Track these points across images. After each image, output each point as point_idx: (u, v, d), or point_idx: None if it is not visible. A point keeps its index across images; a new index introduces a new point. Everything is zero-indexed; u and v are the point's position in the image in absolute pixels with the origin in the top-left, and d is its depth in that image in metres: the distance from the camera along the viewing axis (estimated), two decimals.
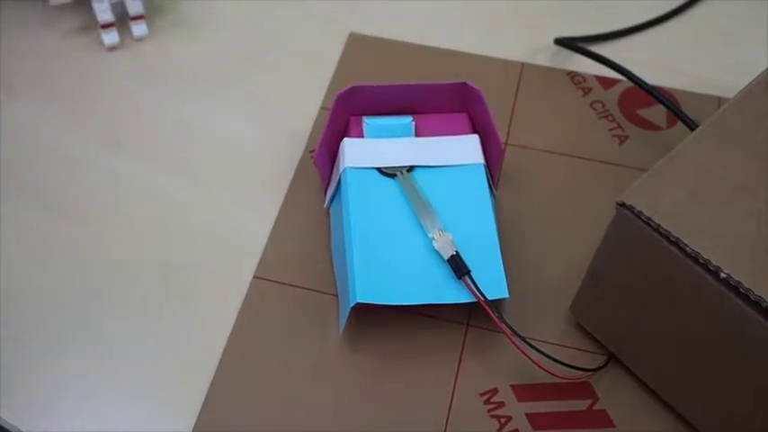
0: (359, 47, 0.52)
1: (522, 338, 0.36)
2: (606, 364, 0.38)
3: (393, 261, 0.38)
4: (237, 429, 0.37)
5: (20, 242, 0.43)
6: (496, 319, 0.36)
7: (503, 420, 0.37)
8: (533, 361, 0.36)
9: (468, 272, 0.37)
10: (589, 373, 0.38)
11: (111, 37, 0.51)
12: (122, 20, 0.52)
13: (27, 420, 0.37)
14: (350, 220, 0.39)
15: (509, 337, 0.36)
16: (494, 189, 0.42)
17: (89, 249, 0.43)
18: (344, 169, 0.40)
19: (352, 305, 0.37)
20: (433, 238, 0.38)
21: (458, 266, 0.37)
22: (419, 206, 0.39)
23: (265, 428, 0.37)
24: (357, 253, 0.38)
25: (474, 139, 0.42)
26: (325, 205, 0.43)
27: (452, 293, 0.37)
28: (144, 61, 0.51)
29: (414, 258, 0.38)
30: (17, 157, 0.46)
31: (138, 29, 0.51)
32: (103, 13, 0.50)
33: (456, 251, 0.37)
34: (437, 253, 0.38)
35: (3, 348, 0.39)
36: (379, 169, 0.41)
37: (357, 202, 0.39)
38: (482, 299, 0.36)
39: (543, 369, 0.37)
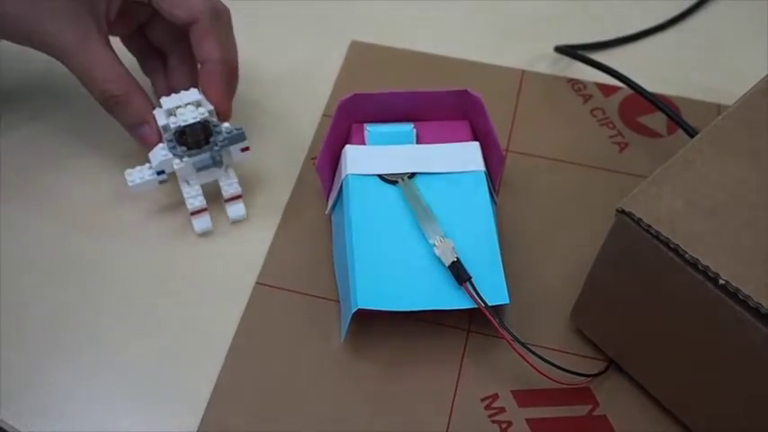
0: (360, 54, 0.53)
1: (523, 344, 0.36)
2: (606, 369, 0.39)
3: (394, 267, 0.38)
4: None
5: (22, 246, 0.43)
6: (497, 325, 0.36)
7: (503, 426, 0.37)
8: (534, 367, 0.36)
9: (469, 278, 0.37)
10: (589, 379, 0.38)
11: (202, 222, 0.43)
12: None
13: (28, 421, 0.38)
14: (351, 227, 0.39)
15: (510, 343, 0.36)
16: (495, 196, 0.42)
17: (91, 253, 0.43)
18: (346, 176, 0.41)
19: (353, 311, 0.37)
20: (434, 245, 0.38)
21: (459, 273, 0.37)
22: (420, 213, 0.39)
23: (267, 431, 0.37)
24: (358, 259, 0.38)
25: (475, 146, 0.42)
26: (326, 212, 0.43)
27: (453, 299, 0.37)
28: None
29: (415, 264, 0.38)
30: (24, 165, 0.47)
31: (235, 210, 0.44)
32: (194, 199, 0.42)
33: (457, 257, 0.37)
34: (438, 259, 0.38)
35: (4, 350, 0.40)
36: (380, 176, 0.41)
37: (359, 208, 0.40)
38: (483, 305, 0.37)
39: (544, 375, 0.37)
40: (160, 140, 0.41)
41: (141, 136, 0.42)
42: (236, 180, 0.43)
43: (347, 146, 0.42)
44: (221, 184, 0.43)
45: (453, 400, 0.38)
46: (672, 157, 0.33)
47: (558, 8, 0.56)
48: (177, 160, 0.41)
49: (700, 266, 0.30)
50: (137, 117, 0.41)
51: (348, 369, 0.39)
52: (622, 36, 0.54)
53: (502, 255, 0.39)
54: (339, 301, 0.41)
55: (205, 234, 0.43)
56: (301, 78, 0.51)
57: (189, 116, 0.40)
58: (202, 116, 0.41)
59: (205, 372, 0.39)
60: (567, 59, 0.52)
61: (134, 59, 0.47)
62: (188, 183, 0.42)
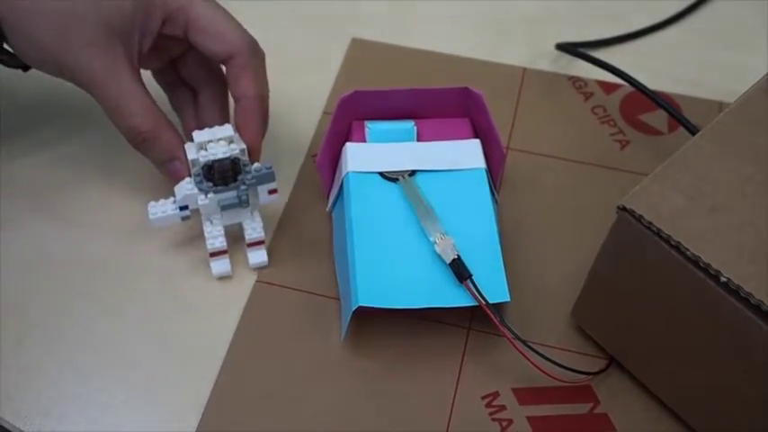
0: (361, 52, 0.53)
1: (524, 342, 0.36)
2: (607, 367, 0.39)
3: (395, 265, 0.38)
4: (240, 431, 0.37)
5: (22, 244, 0.43)
6: (498, 323, 0.36)
7: (504, 423, 0.37)
8: (535, 364, 0.36)
9: (470, 276, 0.37)
10: (590, 377, 0.38)
11: (220, 265, 0.42)
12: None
13: (28, 421, 0.37)
14: (352, 224, 0.39)
15: (510, 341, 0.36)
16: (496, 193, 0.42)
17: (92, 252, 0.43)
18: (347, 173, 0.41)
19: (353, 308, 0.37)
20: (435, 242, 0.38)
21: (459, 270, 0.37)
22: (421, 210, 0.39)
23: (267, 431, 0.37)
24: (359, 257, 0.38)
25: (476, 144, 0.42)
26: (327, 209, 0.43)
27: (454, 297, 0.37)
28: None
29: (415, 262, 0.38)
30: (28, 166, 0.47)
31: (257, 256, 0.42)
32: (214, 239, 0.41)
33: (457, 255, 0.37)
34: (439, 257, 0.38)
35: (5, 349, 0.40)
36: (381, 173, 0.41)
37: (359, 206, 0.40)
38: (483, 302, 0.37)
39: (544, 372, 0.37)
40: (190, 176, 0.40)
41: (171, 171, 0.40)
42: (261, 224, 0.41)
43: (348, 143, 0.42)
44: (245, 226, 0.41)
45: (454, 398, 0.38)
46: (673, 155, 0.33)
47: (559, 6, 0.56)
48: (202, 196, 0.39)
49: (701, 264, 0.30)
50: (166, 153, 0.40)
51: (348, 367, 0.39)
52: (624, 34, 0.54)
53: (503, 252, 0.39)
54: (339, 299, 0.41)
55: (222, 278, 0.42)
56: (302, 76, 0.51)
57: (219, 151, 0.39)
58: (233, 153, 0.39)
59: (205, 370, 0.39)
60: (568, 57, 0.52)
61: (160, 90, 0.45)
62: (211, 222, 0.41)
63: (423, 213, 0.39)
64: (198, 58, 0.42)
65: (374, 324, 0.40)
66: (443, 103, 0.43)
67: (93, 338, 0.40)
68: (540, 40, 0.53)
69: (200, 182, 0.39)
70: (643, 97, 0.47)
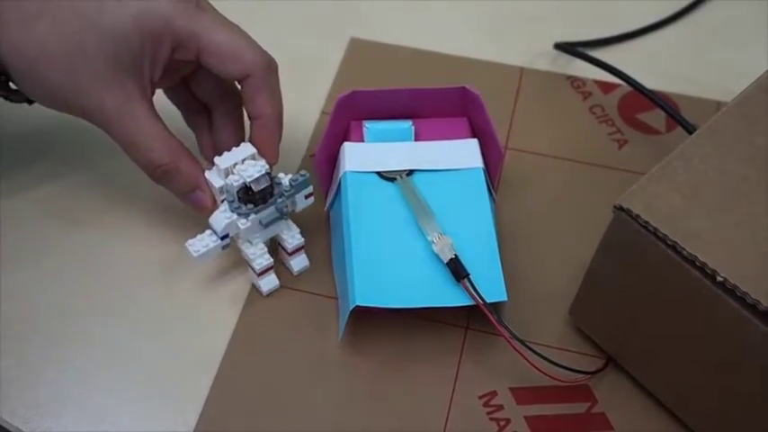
0: (359, 52, 0.53)
1: (521, 341, 0.36)
2: (605, 367, 0.39)
3: (392, 264, 0.38)
4: (237, 431, 0.37)
5: (25, 247, 0.43)
6: (495, 323, 0.36)
7: (501, 423, 0.37)
8: (532, 364, 0.36)
9: (467, 275, 0.37)
10: (588, 377, 0.38)
11: (270, 281, 0.41)
12: None
13: (28, 421, 0.38)
14: (349, 224, 0.39)
15: (508, 340, 0.36)
16: (493, 193, 0.42)
17: (91, 251, 0.43)
18: (344, 173, 0.41)
19: (351, 308, 0.37)
20: (433, 242, 0.38)
21: (457, 270, 0.37)
22: (419, 210, 0.39)
23: (265, 429, 0.37)
24: (356, 256, 0.38)
25: (473, 144, 0.42)
26: (325, 209, 0.43)
27: (451, 296, 0.37)
28: None
29: (413, 261, 0.38)
30: (25, 164, 0.47)
31: (299, 262, 0.42)
32: (261, 258, 0.40)
33: (455, 254, 0.37)
34: (436, 256, 0.38)
35: (5, 349, 0.40)
36: (378, 173, 0.41)
37: (357, 205, 0.40)
38: (481, 302, 0.37)
39: (542, 372, 0.37)
40: (215, 203, 0.39)
41: (195, 201, 0.39)
42: (297, 230, 0.41)
43: (345, 143, 0.42)
44: (284, 236, 0.40)
45: (451, 397, 0.38)
46: (670, 154, 0.33)
47: (557, 5, 0.56)
48: (243, 220, 0.38)
49: (697, 263, 0.30)
50: (187, 185, 0.39)
51: (346, 366, 0.39)
52: (622, 33, 0.54)
53: (500, 252, 0.39)
54: (337, 299, 0.41)
55: (270, 290, 0.41)
56: (300, 75, 0.51)
57: (253, 171, 0.38)
58: (266, 169, 0.38)
59: (203, 370, 0.39)
60: (566, 57, 0.52)
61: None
62: (250, 242, 0.40)
63: (420, 213, 0.39)
64: (211, 78, 0.41)
65: (372, 323, 0.40)
66: (441, 102, 0.43)
67: (92, 338, 0.40)
68: (539, 39, 0.53)
69: (238, 207, 0.38)
70: (641, 97, 0.47)
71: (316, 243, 0.43)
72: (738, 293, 0.29)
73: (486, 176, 0.41)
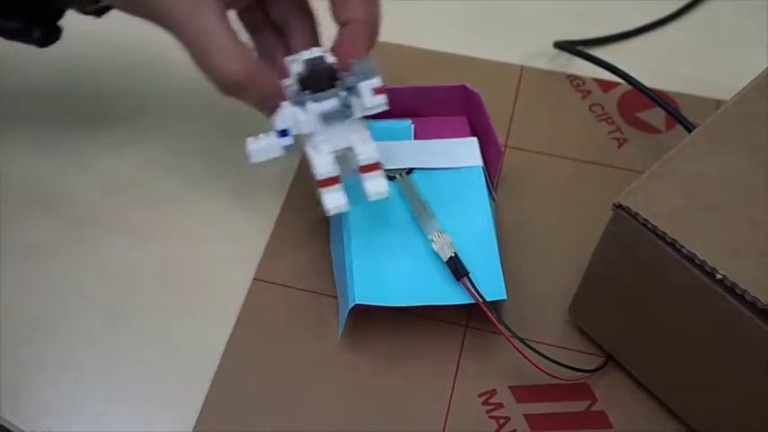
0: None
1: (521, 340, 0.36)
2: (604, 365, 0.39)
3: (392, 263, 0.38)
4: (237, 430, 0.37)
5: (24, 245, 0.43)
6: (495, 321, 0.36)
7: (501, 421, 0.37)
8: (532, 362, 0.36)
9: (467, 273, 0.37)
10: (587, 375, 0.38)
11: (334, 197, 0.35)
12: None
13: (28, 421, 0.38)
14: (349, 222, 0.39)
15: (508, 339, 0.36)
16: (493, 191, 0.42)
17: (91, 251, 0.43)
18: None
19: (350, 306, 0.37)
20: (432, 240, 0.38)
21: (456, 268, 0.37)
22: (418, 208, 0.39)
23: (264, 429, 0.37)
24: (356, 255, 0.38)
25: (473, 142, 0.42)
26: None
27: (451, 295, 0.37)
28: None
29: (412, 260, 0.38)
30: (25, 164, 0.47)
31: (375, 185, 0.35)
32: (323, 166, 0.35)
33: (455, 253, 0.37)
34: (436, 254, 0.38)
35: (5, 349, 0.40)
36: None
37: (356, 204, 0.40)
38: (480, 300, 0.37)
39: (542, 370, 0.37)
40: None
41: (272, 110, 0.35)
42: (374, 147, 0.35)
43: None
44: (356, 151, 0.35)
45: (451, 395, 0.38)
46: (669, 153, 0.33)
47: (556, 4, 0.56)
48: (301, 111, 0.34)
49: (697, 261, 0.30)
50: (263, 94, 0.35)
51: (346, 365, 0.39)
52: (622, 32, 0.54)
53: (500, 250, 0.39)
54: (337, 297, 0.41)
55: (335, 209, 0.35)
56: None
57: (314, 52, 0.35)
58: (328, 54, 0.35)
59: (202, 369, 0.39)
60: (566, 55, 0.52)
61: None
62: (316, 149, 0.35)
63: (420, 211, 0.39)
64: None
65: (371, 322, 0.40)
66: (441, 101, 0.43)
67: (91, 338, 0.40)
68: (538, 38, 0.53)
69: (296, 93, 0.35)
70: (641, 95, 0.47)
71: (315, 242, 0.43)
72: (737, 291, 0.29)
73: (485, 175, 0.41)
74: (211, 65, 0.34)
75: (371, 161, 0.35)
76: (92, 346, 0.40)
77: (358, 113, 0.35)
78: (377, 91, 0.34)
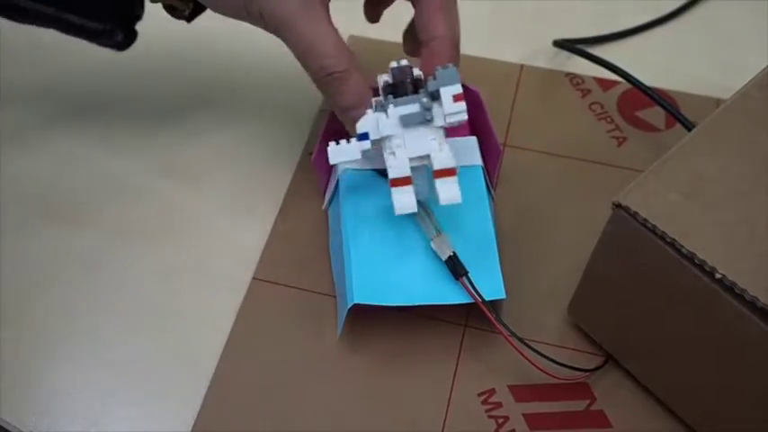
0: (358, 49, 0.52)
1: (520, 339, 0.36)
2: (603, 364, 0.39)
3: (390, 262, 0.38)
4: (236, 430, 0.37)
5: (26, 250, 0.43)
6: (494, 321, 0.36)
7: (500, 421, 0.37)
8: (531, 362, 0.36)
9: (466, 273, 0.37)
10: (587, 374, 0.38)
11: (403, 198, 0.35)
12: None
13: (26, 420, 0.37)
14: (347, 222, 0.39)
15: (506, 338, 0.36)
16: (492, 190, 0.42)
17: (89, 251, 0.43)
18: (341, 171, 0.40)
19: (349, 306, 0.37)
20: (431, 239, 0.38)
21: (455, 267, 0.37)
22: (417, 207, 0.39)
23: (263, 429, 0.37)
24: (354, 254, 0.38)
25: (472, 141, 0.42)
26: (323, 207, 0.43)
27: (450, 294, 0.37)
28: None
29: (411, 259, 0.38)
30: (21, 163, 0.47)
31: (446, 189, 0.35)
32: (397, 167, 0.35)
33: (453, 252, 0.37)
34: (435, 254, 0.38)
35: (3, 349, 0.40)
36: (376, 170, 0.41)
37: (354, 203, 0.40)
38: (479, 300, 0.37)
39: (541, 370, 0.37)
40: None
41: (355, 118, 0.36)
42: (449, 152, 0.35)
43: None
44: (432, 157, 0.35)
45: (450, 395, 0.38)
46: (668, 152, 0.33)
47: (556, 2, 0.56)
48: (383, 115, 0.35)
49: (696, 261, 0.30)
50: (355, 96, 0.37)
51: (344, 364, 0.39)
52: (621, 30, 0.54)
53: (499, 249, 0.39)
54: (335, 297, 0.41)
55: (403, 209, 0.35)
56: (299, 72, 0.51)
57: (402, 62, 0.36)
58: (412, 66, 0.36)
59: (201, 368, 0.39)
60: (565, 54, 0.52)
61: None
62: (394, 154, 0.35)
63: (418, 210, 0.39)
64: None
65: (370, 321, 0.40)
66: None
67: (90, 338, 0.40)
68: (538, 36, 0.53)
69: (381, 102, 0.36)
70: (640, 94, 0.47)
71: (314, 241, 0.43)
72: (737, 290, 0.29)
73: (484, 174, 0.41)
74: (315, 60, 0.36)
75: (446, 166, 0.35)
76: (91, 346, 0.40)
77: (438, 121, 0.35)
78: (456, 98, 0.35)
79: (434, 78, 0.35)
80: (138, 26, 0.42)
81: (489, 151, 0.42)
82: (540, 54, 0.52)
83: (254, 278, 0.42)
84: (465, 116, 0.35)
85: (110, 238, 0.43)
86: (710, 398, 0.34)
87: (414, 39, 0.40)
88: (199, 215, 0.44)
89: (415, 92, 0.36)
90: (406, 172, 0.35)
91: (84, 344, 0.40)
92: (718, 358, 0.32)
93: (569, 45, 0.51)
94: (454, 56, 0.37)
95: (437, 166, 0.35)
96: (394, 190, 0.35)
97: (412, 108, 0.35)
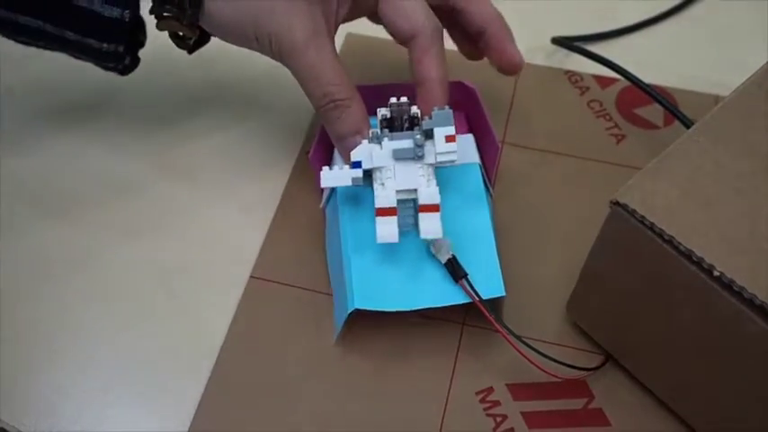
0: (356, 47, 0.53)
1: (519, 338, 0.36)
2: (604, 363, 0.38)
3: (389, 267, 0.38)
4: (233, 429, 0.37)
5: (24, 248, 0.43)
6: (494, 322, 0.36)
7: (498, 419, 0.37)
8: (531, 361, 0.36)
9: (465, 275, 0.37)
10: (586, 373, 0.38)
11: (387, 228, 0.36)
12: None
13: (25, 420, 0.37)
14: (345, 227, 0.39)
15: (505, 337, 0.36)
16: (490, 188, 0.42)
17: (88, 250, 0.43)
18: None
19: (348, 312, 0.37)
20: (431, 244, 0.38)
21: (455, 270, 0.37)
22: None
23: (261, 427, 0.37)
24: (354, 260, 0.38)
25: (469, 139, 0.42)
26: (321, 206, 0.43)
27: (449, 296, 0.37)
28: None
29: (410, 262, 0.38)
30: (25, 167, 0.47)
31: (427, 225, 0.36)
32: (384, 198, 0.36)
33: (453, 255, 0.37)
34: (433, 256, 0.38)
35: (4, 349, 0.40)
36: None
37: (352, 207, 0.39)
38: (479, 301, 0.36)
39: (540, 368, 0.36)
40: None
41: (351, 146, 0.38)
42: (437, 191, 0.37)
43: None
44: (419, 192, 0.37)
45: (448, 393, 0.38)
46: (667, 149, 0.33)
47: (554, 0, 0.56)
48: (377, 146, 0.37)
49: (695, 258, 0.30)
50: (353, 126, 0.38)
51: (342, 363, 0.39)
52: (620, 28, 0.53)
53: (497, 247, 0.38)
54: (333, 294, 0.41)
55: (385, 238, 0.36)
56: None
57: (402, 100, 0.38)
58: (412, 105, 0.38)
59: (199, 368, 0.39)
60: (563, 51, 0.52)
61: None
62: (383, 185, 0.37)
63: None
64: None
65: (368, 320, 0.40)
66: None
67: (89, 337, 0.40)
68: (536, 34, 0.53)
69: (377, 134, 0.38)
70: (639, 91, 0.46)
71: (311, 240, 0.43)
72: (735, 287, 0.29)
73: (482, 172, 0.41)
74: (318, 88, 0.38)
75: (431, 202, 0.36)
76: (90, 345, 0.40)
77: (429, 158, 0.37)
78: (448, 138, 0.37)
79: (430, 118, 0.37)
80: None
81: (487, 149, 0.42)
82: (539, 51, 0.52)
83: (251, 276, 0.42)
84: (455, 157, 0.37)
85: (108, 237, 0.43)
86: (709, 395, 0.34)
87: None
88: (196, 213, 0.44)
89: (411, 128, 0.38)
90: (392, 203, 0.36)
91: (82, 343, 0.40)
92: (717, 356, 0.32)
93: (568, 42, 0.51)
94: (444, 96, 0.40)
95: (422, 201, 0.36)
96: (378, 219, 0.36)
97: (405, 143, 0.37)
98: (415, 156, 0.37)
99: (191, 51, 0.42)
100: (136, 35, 0.41)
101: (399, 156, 0.37)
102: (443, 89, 0.40)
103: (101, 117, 0.49)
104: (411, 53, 0.40)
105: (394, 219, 0.36)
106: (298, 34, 0.37)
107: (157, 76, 0.51)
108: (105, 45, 0.40)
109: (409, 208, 0.38)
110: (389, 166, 0.37)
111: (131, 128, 0.48)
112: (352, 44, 0.52)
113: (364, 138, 0.38)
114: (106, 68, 0.42)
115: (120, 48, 0.40)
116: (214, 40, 0.42)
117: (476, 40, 0.43)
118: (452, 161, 0.37)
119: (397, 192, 0.37)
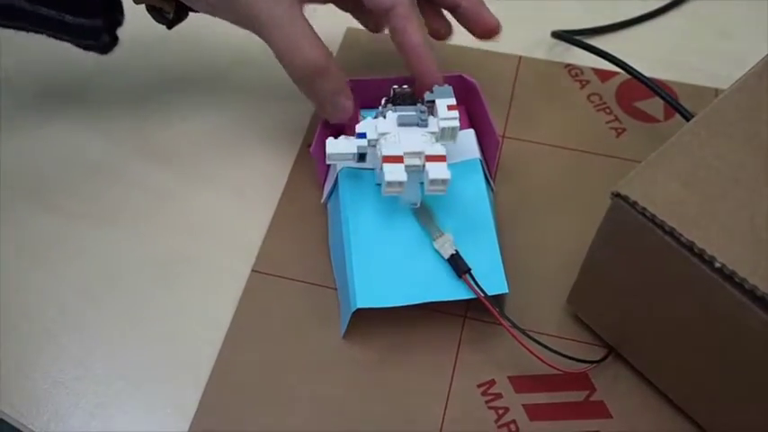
0: (356, 41, 0.53)
1: (522, 331, 0.36)
2: (607, 356, 0.38)
3: (392, 261, 0.38)
4: (235, 424, 0.37)
5: (19, 239, 0.43)
6: (498, 316, 0.36)
7: (500, 411, 0.37)
8: (533, 353, 0.36)
9: (468, 270, 0.37)
10: (588, 365, 0.38)
11: (393, 173, 0.37)
12: None
13: (26, 415, 0.37)
14: (348, 223, 0.39)
15: (508, 330, 0.36)
16: (491, 182, 0.42)
17: (88, 245, 0.43)
18: (340, 168, 0.40)
19: (352, 310, 0.37)
20: (434, 240, 0.38)
21: (458, 265, 0.37)
22: (419, 208, 0.39)
23: (264, 423, 0.37)
24: (356, 256, 0.38)
25: (470, 134, 0.42)
26: (322, 200, 0.43)
27: (453, 290, 0.37)
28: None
29: (413, 258, 0.38)
30: (18, 157, 0.47)
31: (436, 171, 0.37)
32: (388, 147, 0.38)
33: (455, 250, 0.37)
34: (435, 252, 0.38)
35: (5, 346, 0.40)
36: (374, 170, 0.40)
37: (354, 203, 0.39)
38: (483, 296, 0.36)
39: (543, 361, 0.36)
40: (357, 113, 0.41)
41: (340, 104, 0.40)
42: (443, 149, 0.38)
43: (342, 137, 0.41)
44: (425, 149, 0.38)
45: (450, 386, 0.38)
46: (667, 141, 0.33)
47: None
48: (381, 119, 0.39)
49: (696, 249, 0.30)
50: (338, 86, 0.40)
51: (344, 356, 0.39)
52: (619, 21, 0.53)
53: (499, 241, 0.39)
54: (336, 289, 0.41)
55: (393, 178, 0.37)
56: None
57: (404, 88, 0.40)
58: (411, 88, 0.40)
59: (200, 363, 0.39)
60: (563, 45, 0.52)
61: None
62: (388, 147, 0.38)
63: (421, 213, 0.39)
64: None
65: (370, 314, 0.40)
66: None
67: (90, 333, 0.40)
68: (536, 28, 0.53)
69: (381, 112, 0.39)
70: (639, 85, 0.46)
71: (313, 234, 0.43)
72: (736, 279, 0.29)
73: (483, 166, 0.41)
74: (299, 57, 0.39)
75: (438, 153, 0.38)
76: (90, 341, 0.40)
77: (432, 126, 0.39)
78: (450, 107, 0.38)
79: (432, 92, 0.39)
80: (133, 11, 0.42)
81: (488, 143, 0.42)
82: (539, 45, 0.52)
83: (253, 270, 0.42)
84: (457, 123, 0.38)
85: (106, 230, 0.43)
86: (710, 387, 0.34)
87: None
88: (198, 207, 0.44)
89: (413, 104, 0.39)
90: (399, 152, 0.37)
91: (82, 339, 0.40)
92: (718, 348, 0.32)
93: (568, 36, 0.51)
94: (434, 59, 0.41)
95: (429, 152, 0.37)
96: (386, 165, 0.37)
97: (408, 112, 0.39)
98: (419, 121, 0.38)
99: (170, 26, 0.42)
100: (112, 12, 0.42)
101: (404, 121, 0.38)
102: (431, 53, 0.41)
103: (97, 106, 0.49)
104: (392, 23, 0.41)
105: (401, 165, 0.37)
106: (277, 11, 0.38)
107: (157, 66, 0.51)
108: (81, 20, 0.40)
109: (414, 182, 0.38)
110: (394, 132, 0.38)
111: (130, 118, 0.48)
112: (352, 38, 0.52)
113: (348, 99, 0.40)
114: (86, 48, 0.42)
115: (96, 22, 0.40)
116: (214, 27, 0.42)
117: (452, 11, 0.44)
118: (455, 127, 0.38)
119: (405, 154, 0.37)
